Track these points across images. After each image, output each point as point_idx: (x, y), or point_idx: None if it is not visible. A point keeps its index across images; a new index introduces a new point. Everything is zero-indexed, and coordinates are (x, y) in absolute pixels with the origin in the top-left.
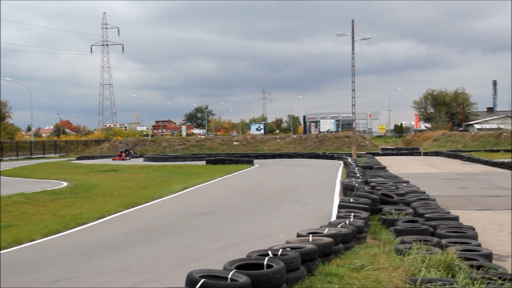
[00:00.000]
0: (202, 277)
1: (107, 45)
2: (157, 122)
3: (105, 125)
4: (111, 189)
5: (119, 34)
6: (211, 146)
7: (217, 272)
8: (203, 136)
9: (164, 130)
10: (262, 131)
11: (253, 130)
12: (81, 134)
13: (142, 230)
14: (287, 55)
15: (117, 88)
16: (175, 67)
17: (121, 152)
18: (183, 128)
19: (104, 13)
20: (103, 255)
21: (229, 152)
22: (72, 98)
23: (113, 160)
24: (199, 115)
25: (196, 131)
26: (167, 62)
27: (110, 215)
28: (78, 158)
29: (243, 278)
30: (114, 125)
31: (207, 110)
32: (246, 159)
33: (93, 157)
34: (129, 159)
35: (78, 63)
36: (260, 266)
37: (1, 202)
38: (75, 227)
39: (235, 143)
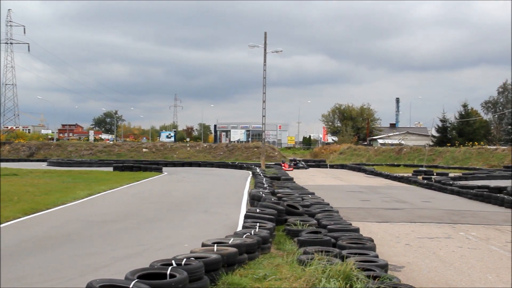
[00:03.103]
0: (102, 287)
1: (11, 43)
2: (63, 125)
3: (7, 127)
4: (10, 194)
5: (25, 32)
6: (120, 152)
7: (118, 281)
8: (111, 142)
9: (70, 134)
10: (173, 139)
11: (163, 138)
12: None
13: (42, 237)
14: (202, 63)
15: (22, 89)
16: (86, 70)
17: (283, 162)
18: (91, 133)
19: (9, 9)
20: None
21: (138, 159)
22: None
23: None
24: (108, 120)
25: (104, 136)
26: (77, 65)
27: (8, 221)
28: None
29: None
30: (16, 127)
31: (117, 115)
32: (155, 167)
33: None
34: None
35: None
36: (163, 276)
37: None
38: None
39: (144, 150)
